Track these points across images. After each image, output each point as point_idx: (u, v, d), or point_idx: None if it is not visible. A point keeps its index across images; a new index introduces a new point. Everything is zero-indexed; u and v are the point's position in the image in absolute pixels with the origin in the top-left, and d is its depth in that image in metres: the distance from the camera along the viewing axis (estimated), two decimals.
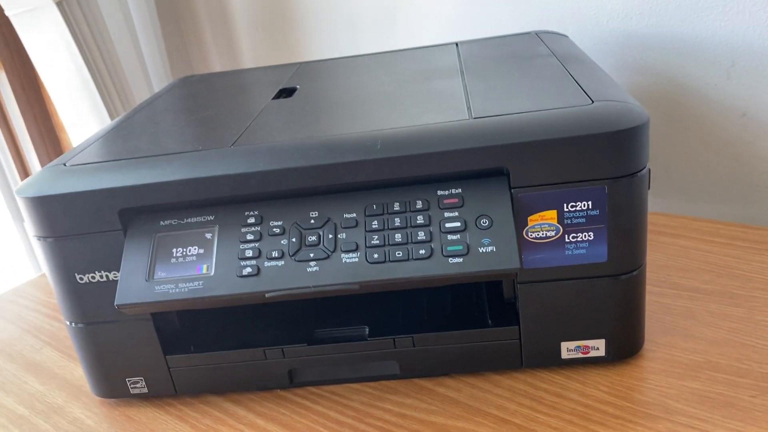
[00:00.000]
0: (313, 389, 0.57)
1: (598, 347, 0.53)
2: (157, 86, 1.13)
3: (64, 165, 0.54)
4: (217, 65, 1.22)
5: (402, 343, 0.54)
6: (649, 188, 0.50)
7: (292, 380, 0.57)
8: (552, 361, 0.54)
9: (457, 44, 0.78)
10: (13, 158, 1.23)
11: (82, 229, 0.51)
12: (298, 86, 0.69)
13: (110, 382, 0.57)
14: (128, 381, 0.57)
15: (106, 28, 1.02)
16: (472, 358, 0.55)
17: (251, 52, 1.18)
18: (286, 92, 0.67)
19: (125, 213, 0.51)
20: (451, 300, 0.58)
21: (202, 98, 0.72)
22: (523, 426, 0.50)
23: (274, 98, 0.65)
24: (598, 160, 0.47)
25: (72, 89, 1.03)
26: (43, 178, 0.52)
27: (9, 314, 0.78)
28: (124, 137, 0.60)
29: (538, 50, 0.68)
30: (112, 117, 1.04)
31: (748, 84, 0.74)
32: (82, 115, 1.04)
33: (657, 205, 0.84)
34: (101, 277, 0.53)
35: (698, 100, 0.78)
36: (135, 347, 0.55)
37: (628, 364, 0.54)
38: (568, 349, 0.54)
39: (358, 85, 0.67)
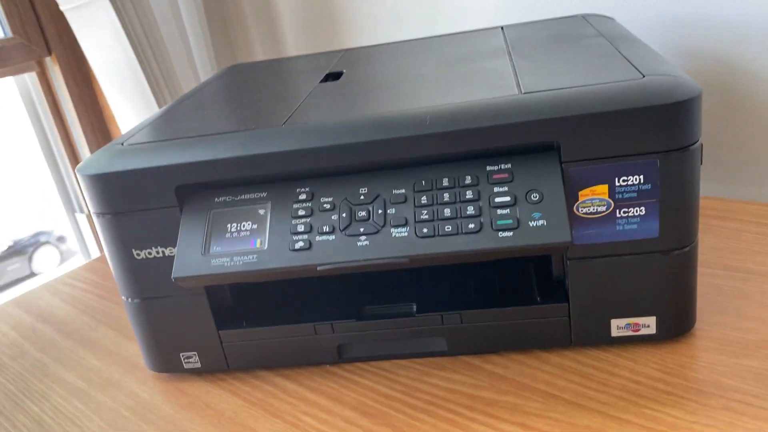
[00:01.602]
0: (361, 364, 0.58)
1: (648, 325, 0.53)
2: (203, 76, 1.15)
3: (122, 144, 0.55)
4: (261, 55, 1.24)
5: (450, 320, 0.55)
6: (701, 163, 0.49)
7: (340, 355, 0.57)
8: (601, 339, 0.54)
9: (502, 28, 0.78)
10: (66, 151, 1.27)
11: (139, 206, 0.53)
12: (344, 70, 0.69)
13: (165, 357, 0.59)
14: (182, 356, 0.59)
15: (155, 20, 1.05)
16: (520, 336, 0.55)
17: (294, 43, 1.19)
18: (333, 76, 0.68)
19: (181, 190, 0.53)
20: (499, 277, 0.58)
21: (251, 84, 0.73)
22: (573, 401, 0.49)
23: (321, 82, 0.66)
24: (650, 134, 0.46)
25: (122, 80, 1.06)
26: (103, 157, 0.54)
27: (65, 295, 0.81)
28: (177, 119, 0.61)
29: (585, 31, 0.68)
30: (160, 107, 1.07)
31: None
32: (132, 106, 1.07)
33: (708, 190, 0.82)
34: (157, 252, 0.54)
35: (752, 84, 0.76)
36: (189, 322, 0.57)
37: (680, 342, 0.54)
38: (618, 327, 0.53)
39: (405, 67, 0.67)
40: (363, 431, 0.50)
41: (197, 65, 1.15)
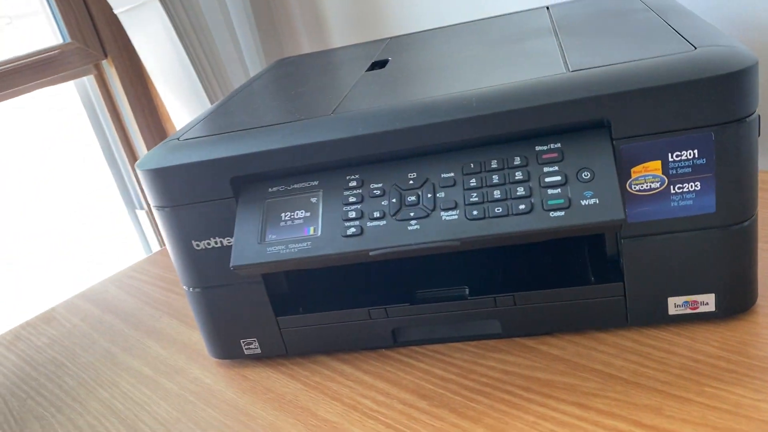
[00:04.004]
0: (416, 348, 0.58)
1: (707, 302, 0.52)
2: (252, 71, 1.18)
3: (178, 140, 0.57)
4: (308, 48, 1.26)
5: (503, 302, 0.55)
6: (759, 135, 0.48)
7: (395, 339, 0.58)
8: (658, 318, 0.53)
9: (548, 8, 0.77)
10: (124, 150, 1.31)
11: (197, 198, 0.55)
12: (390, 58, 0.70)
13: (226, 344, 0.61)
14: (242, 342, 0.61)
15: (205, 19, 1.07)
16: (576, 316, 0.54)
17: (340, 34, 1.20)
18: (379, 64, 0.69)
19: (236, 181, 0.54)
20: (551, 258, 0.58)
21: (298, 76, 0.74)
22: (631, 381, 0.49)
23: (367, 70, 0.67)
24: (704, 107, 0.45)
25: (175, 79, 1.09)
26: (160, 152, 0.56)
27: (129, 288, 0.84)
28: (229, 114, 0.63)
29: (633, 5, 0.67)
30: (212, 102, 1.09)
31: None
32: (184, 103, 1.10)
33: (763, 164, 0.80)
34: (216, 243, 0.56)
35: None
36: (248, 309, 0.59)
37: (740, 320, 0.53)
38: (675, 305, 0.52)
39: (450, 52, 0.67)
40: (421, 413, 0.51)
41: (246, 61, 1.17)
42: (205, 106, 1.10)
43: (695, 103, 0.45)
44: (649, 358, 0.51)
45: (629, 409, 0.46)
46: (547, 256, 0.58)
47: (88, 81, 1.27)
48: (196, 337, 0.69)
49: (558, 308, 0.54)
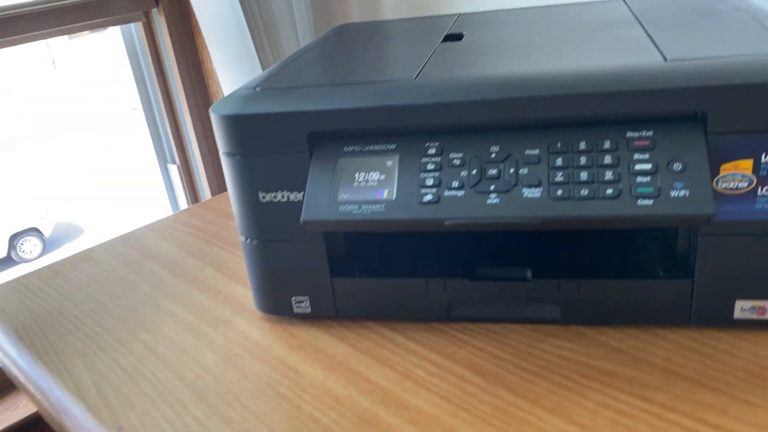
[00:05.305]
0: (470, 325, 0.58)
1: None
2: (302, 38, 1.16)
3: (255, 89, 0.57)
4: (357, 18, 1.24)
5: (566, 288, 0.54)
6: None
7: (449, 314, 0.58)
8: (722, 320, 0.53)
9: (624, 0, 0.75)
10: (163, 103, 1.30)
11: (270, 150, 0.54)
12: (464, 32, 0.69)
13: (277, 300, 0.61)
14: (294, 299, 0.60)
15: None
16: (639, 310, 0.54)
17: (391, 8, 1.19)
18: (454, 37, 0.68)
19: (312, 137, 0.53)
20: (619, 247, 0.57)
21: (369, 42, 0.73)
22: (693, 378, 0.49)
23: (443, 41, 0.66)
24: None
25: (227, 35, 1.08)
26: (237, 99, 0.55)
27: (171, 238, 0.84)
28: (303, 70, 0.62)
29: (718, 5, 0.65)
30: (262, 65, 1.08)
31: None
32: (234, 62, 1.09)
33: None
34: (283, 197, 0.55)
35: None
36: (305, 267, 0.58)
37: None
38: (742, 309, 0.52)
39: (529, 32, 0.66)
40: (477, 388, 0.50)
41: (297, 26, 1.16)
42: (255, 67, 1.09)
43: None
44: (711, 358, 0.50)
45: (693, 406, 0.46)
46: (615, 244, 0.58)
47: (135, 28, 1.26)
48: (241, 290, 0.68)
49: (621, 300, 0.54)
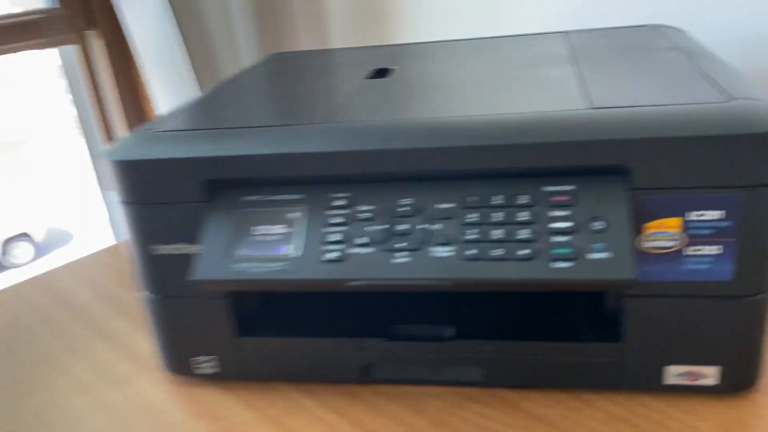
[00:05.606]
0: (388, 387, 0.53)
1: (708, 375, 0.48)
2: (246, 62, 1.12)
3: (154, 131, 0.52)
4: (305, 45, 1.20)
5: (489, 349, 0.50)
6: None
7: (367, 375, 0.53)
8: (654, 385, 0.49)
9: (564, 33, 0.72)
10: (101, 127, 1.25)
11: (167, 198, 0.49)
12: (393, 67, 0.65)
13: (181, 359, 0.56)
14: (199, 359, 0.55)
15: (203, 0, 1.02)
16: (565, 374, 0.50)
17: (340, 35, 1.15)
18: (382, 72, 0.64)
19: (212, 184, 0.49)
20: (546, 307, 0.53)
21: (294, 74, 0.69)
22: None
23: (368, 78, 0.62)
24: (735, 165, 0.41)
25: (162, 59, 1.03)
26: (133, 143, 0.51)
27: (86, 281, 0.78)
28: (213, 108, 0.58)
29: (657, 43, 0.63)
30: (200, 89, 1.04)
31: None
32: (169, 86, 1.05)
33: None
34: (181, 249, 0.51)
35: None
36: (209, 325, 0.53)
37: (743, 398, 0.48)
38: (673, 374, 0.48)
39: (459, 68, 0.62)
40: None
41: (240, 50, 1.12)
42: (190, 92, 1.04)
43: (726, 160, 0.41)
44: (640, 429, 0.46)
45: None
46: (542, 303, 0.54)
47: (74, 50, 1.20)
48: (149, 345, 0.63)
49: (548, 363, 0.50)
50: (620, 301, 0.47)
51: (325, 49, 0.83)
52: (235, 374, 0.55)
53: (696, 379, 0.48)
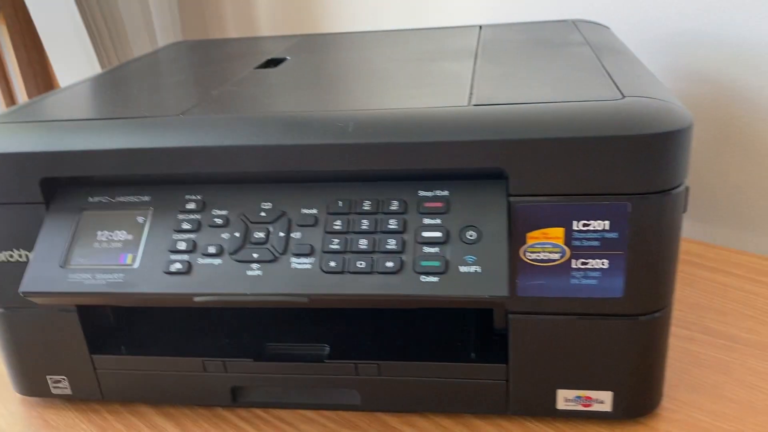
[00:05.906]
0: (258, 411, 0.48)
1: (602, 400, 0.43)
2: None
3: None
4: (233, 33, 1.14)
5: (365, 370, 0.45)
6: (685, 210, 0.40)
7: (235, 399, 0.48)
8: (544, 411, 0.45)
9: (480, 27, 0.68)
10: None
11: (1, 199, 0.43)
12: (288, 57, 0.60)
13: (30, 379, 0.49)
14: (50, 379, 0.49)
15: None
16: (449, 396, 0.45)
17: (268, 23, 1.09)
18: (274, 62, 0.58)
19: (48, 183, 0.43)
20: (430, 322, 0.48)
21: (184, 63, 0.63)
22: None
23: (257, 67, 0.57)
24: (622, 170, 0.37)
25: (68, 46, 0.96)
26: None
27: None
28: (72, 97, 0.52)
29: (570, 38, 0.58)
30: None
31: None
32: (77, 73, 0.97)
33: (697, 232, 0.73)
34: (19, 256, 0.45)
35: (757, 115, 0.67)
36: (58, 341, 0.47)
37: (639, 424, 0.44)
38: (565, 399, 0.44)
39: (356, 61, 0.58)
40: None
41: (161, 39, 1.05)
42: None
43: (612, 164, 0.37)
44: None
45: None
46: (429, 320, 0.49)
47: None
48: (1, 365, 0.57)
49: (430, 384, 0.45)
50: (506, 318, 0.42)
51: (229, 38, 0.77)
52: (91, 395, 0.49)
53: (590, 405, 0.44)
